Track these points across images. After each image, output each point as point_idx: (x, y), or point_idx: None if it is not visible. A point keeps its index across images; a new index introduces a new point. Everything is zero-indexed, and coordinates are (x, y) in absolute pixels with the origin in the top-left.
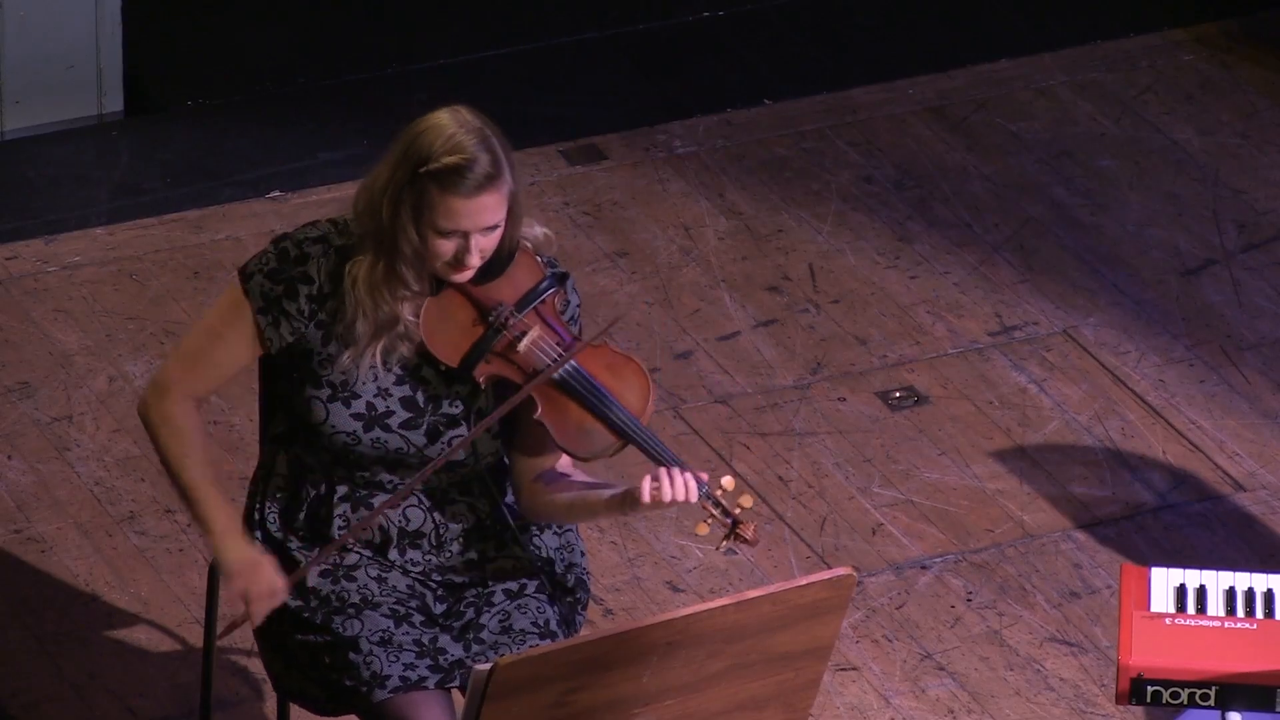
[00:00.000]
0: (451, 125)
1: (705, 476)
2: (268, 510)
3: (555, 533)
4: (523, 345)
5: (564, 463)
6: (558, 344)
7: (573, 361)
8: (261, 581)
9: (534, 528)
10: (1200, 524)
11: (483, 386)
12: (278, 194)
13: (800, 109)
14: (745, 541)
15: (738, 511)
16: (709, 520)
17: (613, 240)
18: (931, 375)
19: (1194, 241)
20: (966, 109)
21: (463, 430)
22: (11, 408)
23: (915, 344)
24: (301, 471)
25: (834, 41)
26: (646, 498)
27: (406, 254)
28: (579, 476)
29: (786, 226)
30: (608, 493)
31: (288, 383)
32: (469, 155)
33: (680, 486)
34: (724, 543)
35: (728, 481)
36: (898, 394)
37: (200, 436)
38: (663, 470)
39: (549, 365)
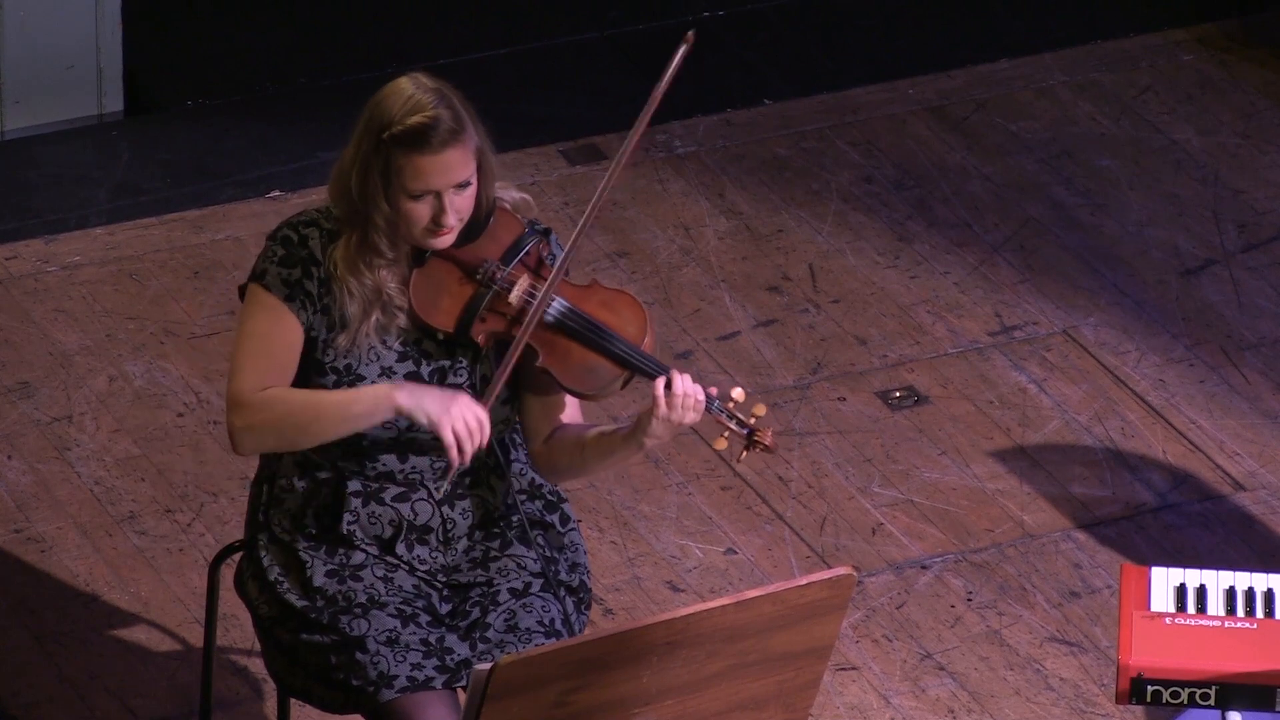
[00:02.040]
0: (409, 88)
1: (714, 390)
2: (274, 510)
3: (559, 532)
4: (514, 296)
5: (574, 414)
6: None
7: (565, 302)
8: (468, 415)
9: (538, 528)
10: (1200, 524)
11: (483, 348)
12: (278, 194)
13: (800, 109)
14: (765, 448)
15: (753, 421)
16: (725, 434)
17: (613, 240)
18: (931, 375)
19: (1194, 241)
20: (966, 109)
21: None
22: (11, 408)
23: (915, 344)
24: (308, 468)
25: (834, 41)
26: (661, 399)
27: (379, 223)
28: (591, 426)
29: (786, 226)
30: (626, 425)
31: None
32: (430, 114)
33: (690, 384)
34: (744, 453)
35: (738, 393)
36: (898, 394)
37: (292, 389)
38: (673, 375)
39: (541, 301)
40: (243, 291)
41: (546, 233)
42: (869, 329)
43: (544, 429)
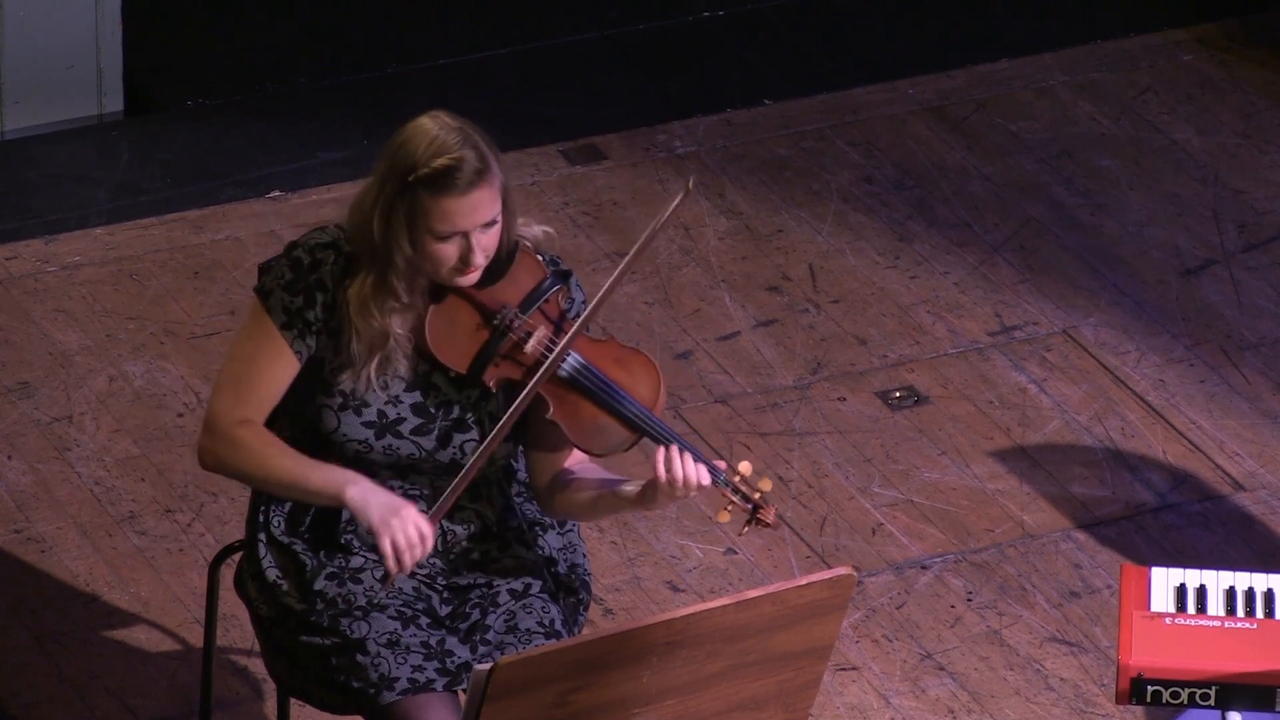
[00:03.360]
0: (433, 129)
1: (723, 465)
2: (273, 514)
3: (558, 533)
4: (529, 346)
5: (578, 458)
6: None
7: (581, 358)
8: (409, 528)
9: (537, 528)
10: (1200, 524)
11: (493, 390)
12: (278, 194)
13: (800, 109)
14: (766, 525)
15: (757, 496)
16: (729, 507)
17: (613, 240)
18: (931, 375)
19: (1194, 241)
20: (966, 109)
21: (473, 434)
22: (11, 408)
23: (915, 344)
24: None
25: (834, 41)
26: (662, 475)
27: (399, 265)
28: (595, 472)
29: (786, 226)
30: (631, 488)
31: (296, 390)
32: (456, 155)
33: (691, 467)
34: (745, 528)
35: (744, 467)
36: (898, 394)
37: (266, 436)
38: (672, 450)
39: (553, 360)
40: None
41: (567, 276)
42: (869, 329)
43: (548, 472)
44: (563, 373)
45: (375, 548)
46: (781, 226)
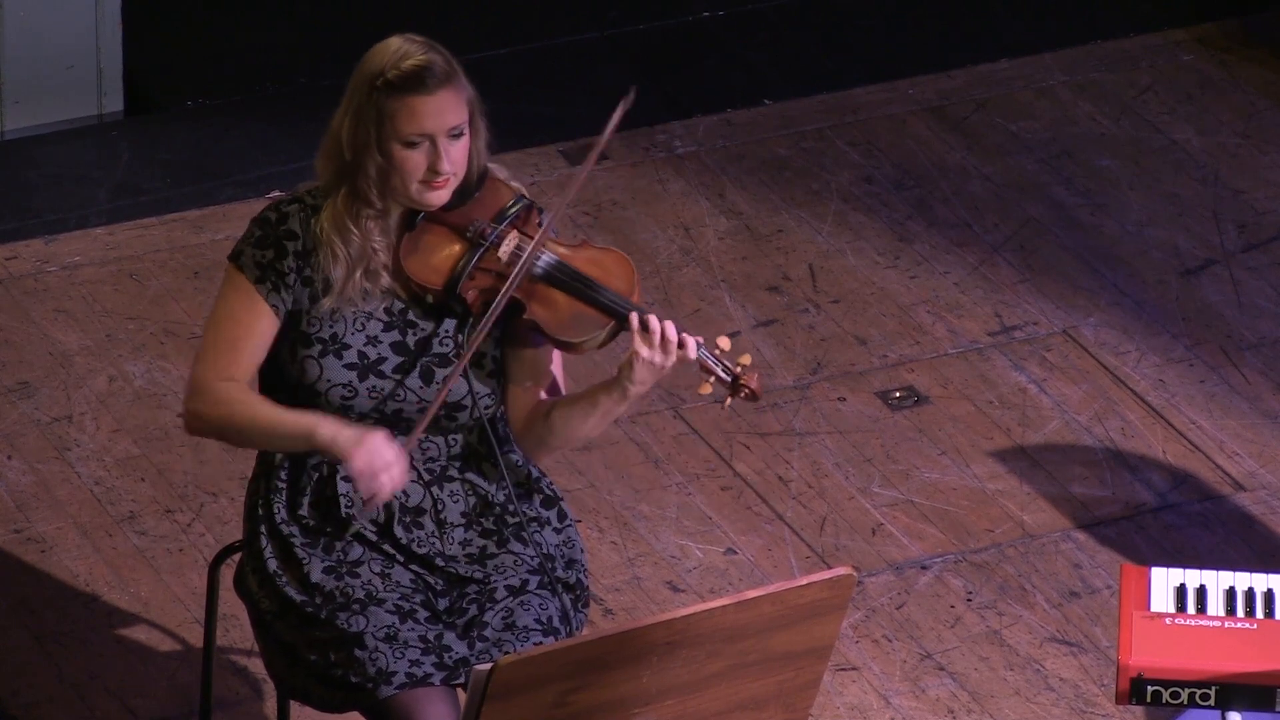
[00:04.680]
0: (398, 41)
1: (700, 339)
2: (273, 501)
3: (555, 529)
4: (503, 251)
5: (556, 391)
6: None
7: (553, 256)
8: (385, 454)
9: (536, 525)
10: (1200, 524)
11: (472, 307)
12: (278, 194)
13: (800, 109)
14: (750, 392)
15: (738, 370)
16: (711, 379)
17: (613, 240)
18: (931, 375)
19: (1194, 241)
20: (966, 109)
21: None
22: (11, 408)
23: (915, 344)
24: (302, 454)
25: (834, 41)
26: (640, 342)
27: (370, 172)
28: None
29: (786, 226)
30: (608, 379)
31: (279, 353)
32: (422, 58)
33: (670, 328)
34: (730, 399)
35: (723, 341)
36: (898, 394)
37: (247, 390)
38: (652, 320)
39: (529, 256)
40: None
41: (536, 205)
42: (869, 329)
43: (528, 399)
44: (537, 270)
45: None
46: (781, 226)
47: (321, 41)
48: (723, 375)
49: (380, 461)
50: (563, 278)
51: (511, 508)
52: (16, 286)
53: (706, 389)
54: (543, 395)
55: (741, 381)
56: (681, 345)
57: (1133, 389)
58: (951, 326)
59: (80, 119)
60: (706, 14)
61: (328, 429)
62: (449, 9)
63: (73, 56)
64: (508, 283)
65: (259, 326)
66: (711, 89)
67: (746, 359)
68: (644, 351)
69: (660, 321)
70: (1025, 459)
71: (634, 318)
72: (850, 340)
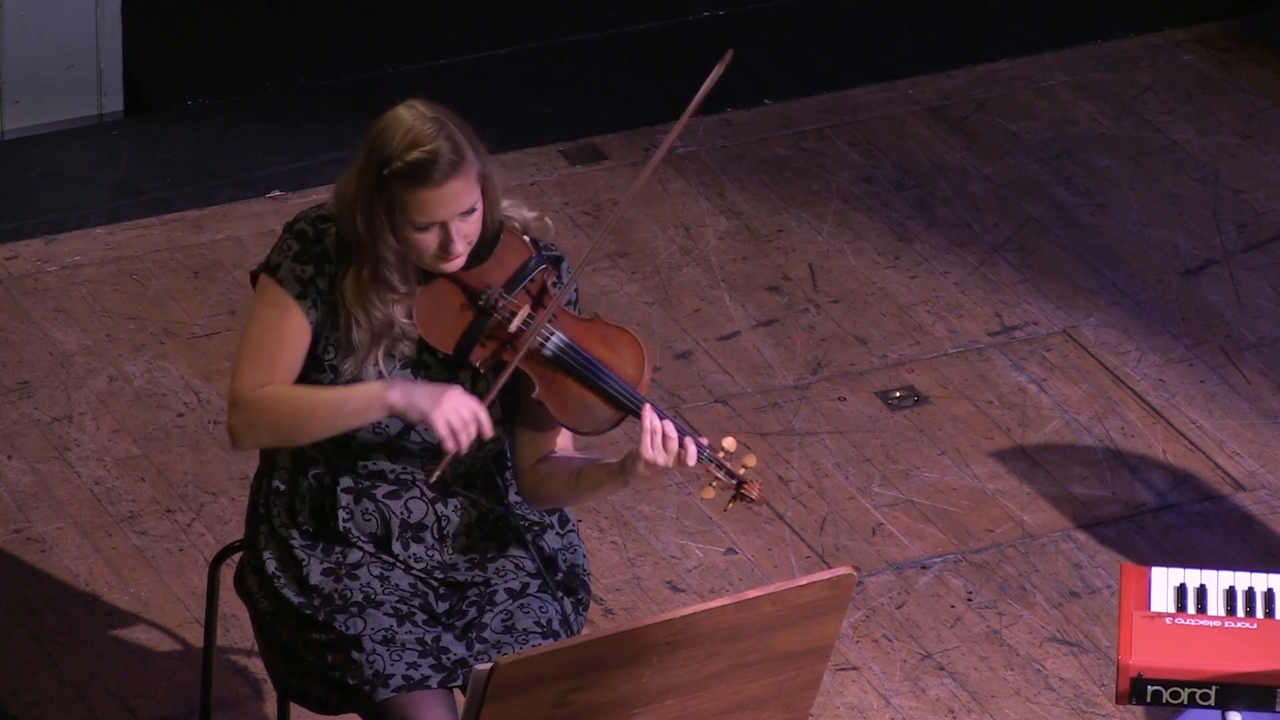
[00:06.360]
0: (408, 120)
1: (706, 440)
2: (273, 505)
3: (557, 533)
4: (514, 325)
5: (564, 444)
6: (549, 320)
7: (565, 337)
8: (462, 409)
9: (536, 528)
10: (1200, 524)
11: (481, 371)
12: (278, 194)
13: (800, 109)
14: (751, 501)
15: (742, 472)
16: (713, 483)
17: (613, 240)
18: (931, 375)
19: (1194, 241)
20: (966, 109)
21: None
22: (11, 408)
23: (915, 344)
24: (304, 463)
25: (834, 41)
26: (646, 445)
27: (389, 259)
28: (579, 457)
29: (786, 226)
30: (613, 460)
31: None
32: (430, 148)
33: (675, 439)
34: (730, 504)
35: (729, 443)
36: (898, 394)
37: (293, 386)
38: (657, 422)
39: (531, 332)
40: (255, 279)
41: (557, 261)
42: (869, 329)
43: (532, 455)
44: (547, 352)
45: (433, 448)
46: (781, 226)
47: (321, 41)
48: (725, 479)
49: (459, 420)
50: (572, 363)
51: (513, 522)
52: (16, 286)
53: (709, 493)
54: (554, 445)
55: (744, 489)
56: (682, 446)
57: (1133, 389)
58: (951, 326)
59: (80, 119)
60: (706, 14)
61: (398, 392)
62: (449, 9)
63: (73, 56)
64: (516, 356)
65: (298, 339)
66: (712, 89)
67: (752, 459)
68: (648, 453)
69: (667, 434)
70: (1025, 459)
71: (644, 417)
72: (850, 340)
